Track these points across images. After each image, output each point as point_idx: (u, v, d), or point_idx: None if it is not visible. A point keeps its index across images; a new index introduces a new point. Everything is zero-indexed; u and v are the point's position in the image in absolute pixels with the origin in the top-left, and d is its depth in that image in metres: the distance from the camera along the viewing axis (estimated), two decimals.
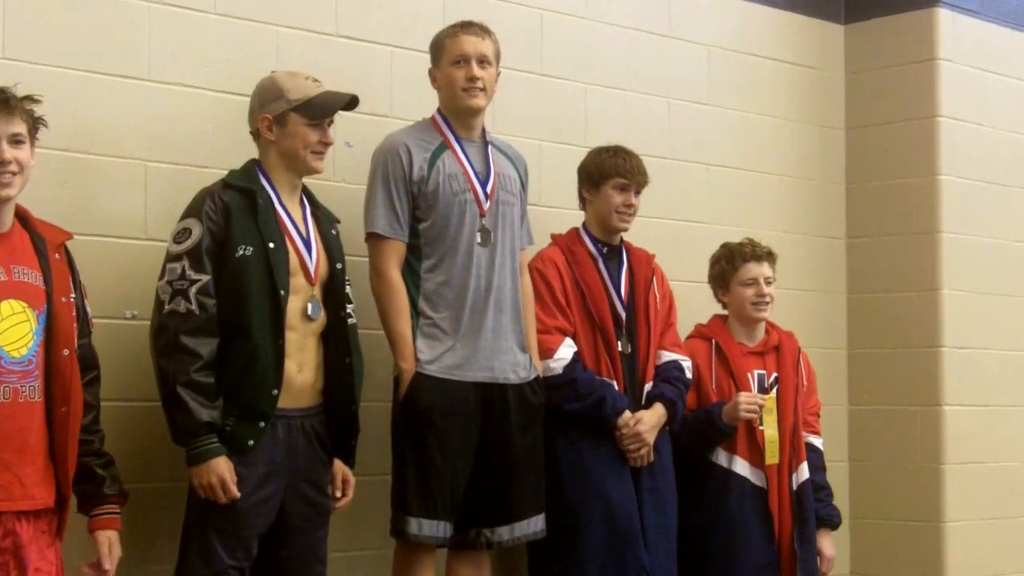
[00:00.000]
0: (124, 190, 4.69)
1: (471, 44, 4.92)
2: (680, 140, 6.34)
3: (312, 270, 4.49)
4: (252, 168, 4.54)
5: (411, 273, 4.87)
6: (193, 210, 4.38)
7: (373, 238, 4.86)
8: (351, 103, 4.61)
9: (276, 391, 4.33)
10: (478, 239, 4.91)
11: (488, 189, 4.95)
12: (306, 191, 4.66)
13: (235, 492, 4.24)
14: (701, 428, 5.49)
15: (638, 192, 5.42)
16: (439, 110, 5.03)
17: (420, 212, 4.87)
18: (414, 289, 4.86)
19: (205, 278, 4.29)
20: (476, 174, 4.95)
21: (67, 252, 4.00)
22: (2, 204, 3.82)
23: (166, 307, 4.27)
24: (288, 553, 4.44)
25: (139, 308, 4.59)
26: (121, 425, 4.44)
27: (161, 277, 4.32)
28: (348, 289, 4.62)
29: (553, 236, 5.46)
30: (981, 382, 6.86)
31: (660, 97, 6.30)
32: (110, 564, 4.03)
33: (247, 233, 4.36)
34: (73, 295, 3.93)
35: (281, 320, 4.36)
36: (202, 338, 4.26)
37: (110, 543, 4.02)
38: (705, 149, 6.45)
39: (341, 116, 4.69)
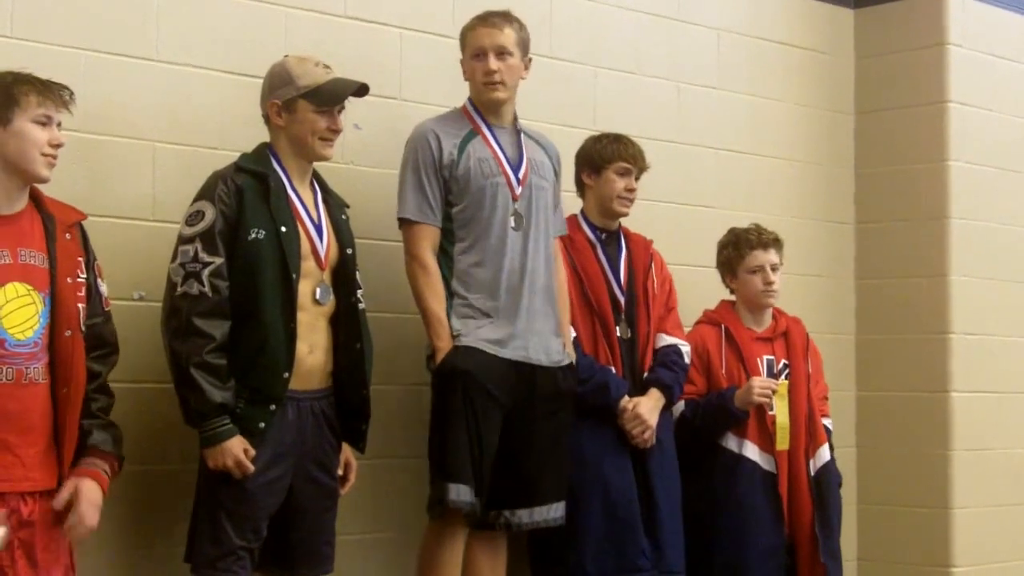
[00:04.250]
0: (132, 171, 4.68)
1: (488, 37, 4.92)
2: (689, 124, 6.32)
3: (322, 255, 4.49)
4: (264, 152, 4.53)
5: (444, 256, 4.88)
6: (206, 192, 4.38)
7: (405, 224, 4.88)
8: (360, 91, 4.58)
9: (287, 374, 4.33)
10: (512, 223, 4.91)
11: (520, 174, 4.96)
12: (317, 176, 4.64)
13: (250, 468, 4.24)
14: (713, 412, 5.48)
15: (638, 177, 5.42)
16: (470, 99, 5.03)
17: (452, 196, 4.88)
18: (447, 271, 4.87)
19: (218, 261, 4.28)
20: (507, 159, 4.95)
21: (82, 232, 4.00)
22: (28, 185, 3.86)
23: (179, 289, 4.26)
24: (297, 535, 4.43)
25: (147, 289, 4.59)
26: (130, 407, 4.42)
27: (173, 259, 4.32)
28: (358, 275, 4.61)
29: None
30: (989, 368, 6.84)
31: (669, 81, 6.28)
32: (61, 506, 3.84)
33: (259, 216, 4.36)
34: (83, 275, 3.92)
35: (293, 303, 4.36)
36: (215, 320, 4.26)
37: (76, 490, 3.85)
38: (714, 133, 6.43)
39: (350, 99, 4.67)
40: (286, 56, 4.60)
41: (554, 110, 5.81)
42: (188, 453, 4.40)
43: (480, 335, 4.80)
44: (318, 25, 5.13)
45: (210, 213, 4.31)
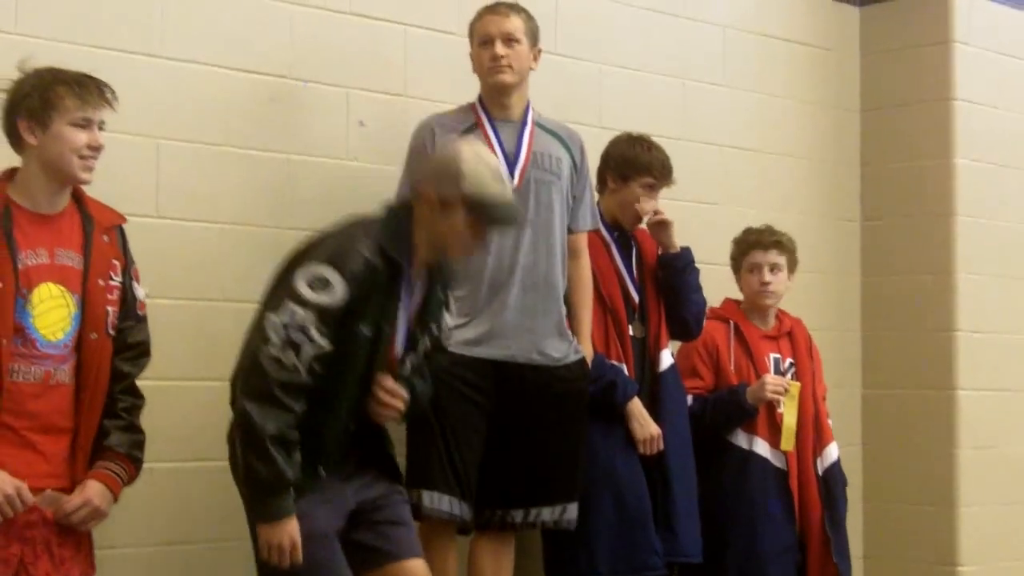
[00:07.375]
0: (135, 168, 4.66)
1: (494, 24, 4.91)
2: (695, 121, 6.30)
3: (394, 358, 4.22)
4: (405, 231, 4.15)
5: None
6: (343, 262, 3.98)
7: None
8: (508, 222, 4.32)
9: (324, 474, 4.10)
10: None
11: (517, 169, 4.92)
12: None
13: (300, 557, 3.97)
14: (725, 407, 5.48)
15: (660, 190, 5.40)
16: (480, 95, 5.01)
17: None
18: None
19: (326, 348, 3.94)
20: (504, 153, 4.90)
21: (121, 235, 3.98)
22: (69, 186, 3.85)
23: (272, 351, 3.90)
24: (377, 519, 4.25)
25: (149, 287, 4.55)
26: None
27: (276, 309, 3.94)
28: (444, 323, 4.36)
29: None
30: (996, 366, 6.82)
31: (675, 78, 6.26)
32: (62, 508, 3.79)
33: (375, 311, 4.05)
34: (116, 278, 3.91)
35: (360, 405, 4.14)
36: (297, 397, 3.93)
37: (82, 493, 3.80)
38: (720, 130, 6.41)
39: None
40: (466, 146, 4.31)
41: (559, 107, 5.76)
42: (184, 451, 4.41)
43: (455, 337, 4.66)
44: (322, 21, 5.11)
45: (340, 292, 3.95)
